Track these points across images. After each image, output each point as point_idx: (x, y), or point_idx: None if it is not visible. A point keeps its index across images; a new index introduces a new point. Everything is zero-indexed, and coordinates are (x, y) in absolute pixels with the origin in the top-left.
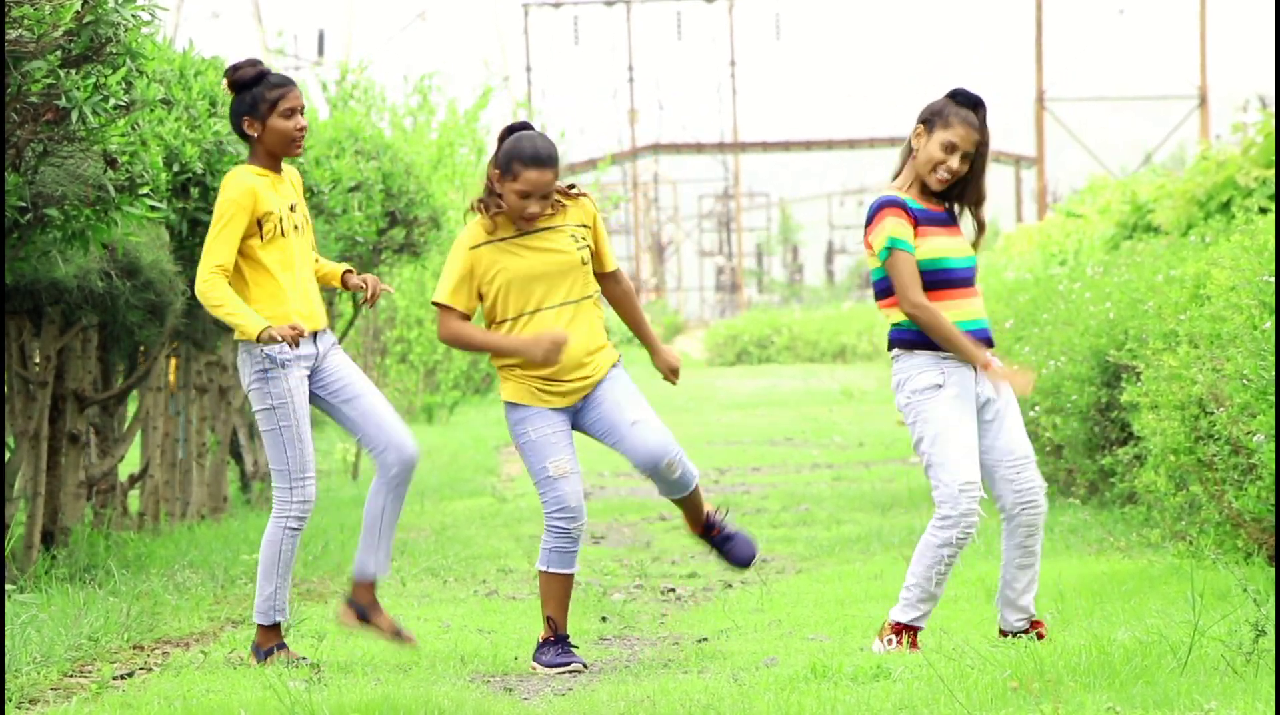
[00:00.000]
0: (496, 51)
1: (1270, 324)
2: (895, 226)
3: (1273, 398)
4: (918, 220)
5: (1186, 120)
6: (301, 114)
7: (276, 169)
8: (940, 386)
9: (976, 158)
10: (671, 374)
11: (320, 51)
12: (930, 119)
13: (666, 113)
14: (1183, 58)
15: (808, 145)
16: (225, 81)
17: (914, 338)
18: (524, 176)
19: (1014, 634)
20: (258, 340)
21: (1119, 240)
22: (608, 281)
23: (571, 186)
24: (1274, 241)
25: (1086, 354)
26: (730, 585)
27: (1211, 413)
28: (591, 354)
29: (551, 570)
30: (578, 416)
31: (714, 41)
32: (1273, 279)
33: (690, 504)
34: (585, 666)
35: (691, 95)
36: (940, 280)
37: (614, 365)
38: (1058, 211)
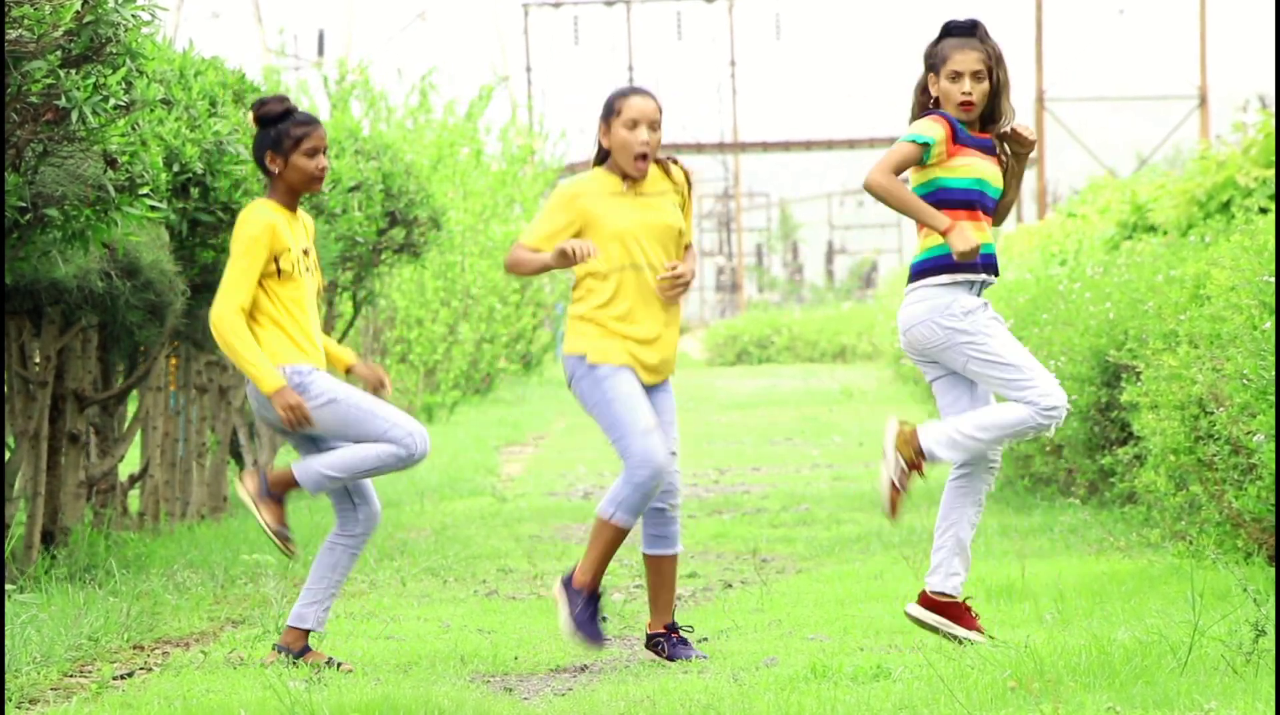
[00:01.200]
0: (496, 51)
1: (1270, 324)
2: (927, 126)
3: (1273, 398)
4: (960, 137)
5: (1186, 120)
6: (325, 155)
7: (293, 208)
8: (984, 306)
9: (994, 74)
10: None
11: (320, 51)
12: (932, 63)
13: (666, 113)
14: (1183, 58)
15: (808, 145)
16: (251, 115)
17: (941, 262)
18: (627, 104)
19: (942, 599)
20: (270, 398)
21: (1119, 240)
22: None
23: (672, 159)
24: (1274, 241)
25: (1086, 354)
26: (730, 585)
27: (1211, 413)
28: (673, 337)
29: (617, 521)
30: None
31: (714, 41)
32: (1273, 279)
33: (670, 573)
34: (603, 643)
35: (691, 95)
36: (974, 202)
37: (671, 374)
38: (1058, 211)
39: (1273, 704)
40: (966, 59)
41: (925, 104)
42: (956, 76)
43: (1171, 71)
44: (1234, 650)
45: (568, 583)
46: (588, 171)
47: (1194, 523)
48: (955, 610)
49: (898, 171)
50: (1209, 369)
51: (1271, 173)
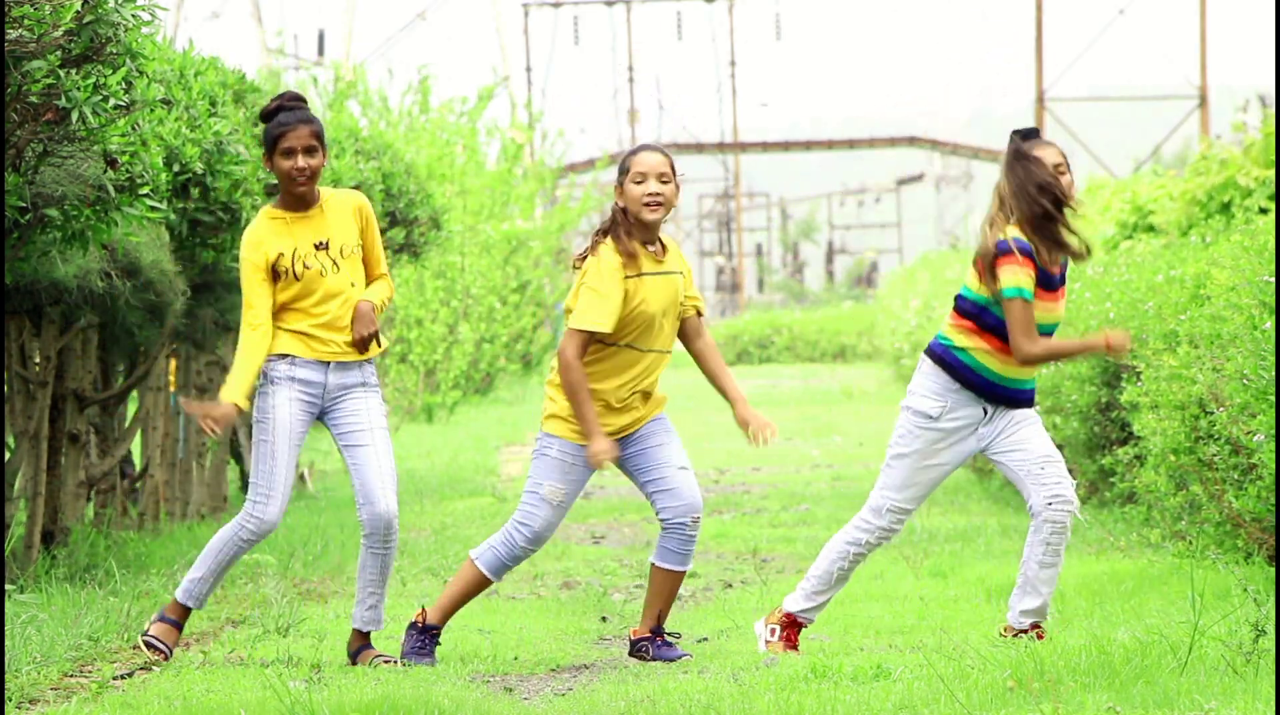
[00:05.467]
0: (496, 51)
1: (1270, 324)
2: (1023, 277)
3: (1273, 398)
4: (1037, 279)
5: (1186, 120)
6: (305, 154)
7: (300, 207)
8: (932, 418)
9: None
10: (757, 435)
11: (320, 51)
12: (1014, 163)
13: (666, 113)
14: (1183, 58)
15: (808, 145)
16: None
17: (948, 359)
18: (636, 159)
19: (1017, 633)
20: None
21: (1119, 240)
22: (688, 330)
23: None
24: (1274, 241)
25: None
26: (730, 585)
27: (1211, 413)
28: (646, 399)
29: (479, 564)
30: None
31: (714, 41)
32: (1273, 279)
33: (671, 587)
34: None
35: (691, 95)
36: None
37: (660, 411)
38: None
39: (1273, 704)
40: (1053, 152)
41: (1017, 193)
42: (1057, 170)
43: (1171, 71)
44: (1234, 650)
45: (412, 624)
46: (613, 247)
47: (1194, 523)
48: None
49: (1033, 332)
50: (1209, 369)
51: (1271, 173)
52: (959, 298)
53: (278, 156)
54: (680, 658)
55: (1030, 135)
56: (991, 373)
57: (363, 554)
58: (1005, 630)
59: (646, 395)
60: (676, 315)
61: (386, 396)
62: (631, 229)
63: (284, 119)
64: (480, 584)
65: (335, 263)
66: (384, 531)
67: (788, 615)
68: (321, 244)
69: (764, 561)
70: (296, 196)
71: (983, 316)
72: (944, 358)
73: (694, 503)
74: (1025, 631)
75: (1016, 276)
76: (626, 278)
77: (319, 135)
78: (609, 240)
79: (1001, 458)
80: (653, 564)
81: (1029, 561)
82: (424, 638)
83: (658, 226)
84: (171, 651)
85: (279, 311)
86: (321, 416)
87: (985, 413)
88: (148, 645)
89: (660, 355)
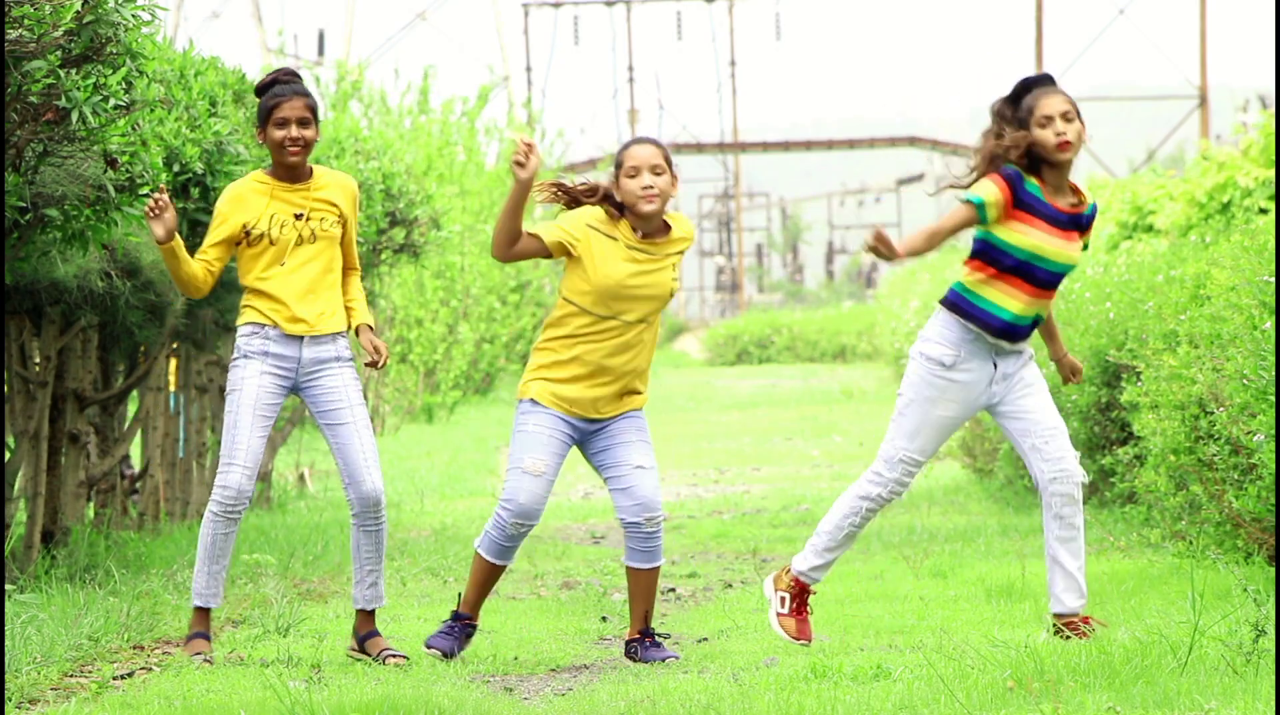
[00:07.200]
0: (496, 51)
1: (1270, 324)
2: (983, 185)
3: (1273, 398)
4: (1021, 201)
5: (1186, 120)
6: (299, 125)
7: (289, 178)
8: (945, 367)
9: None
10: None
11: (320, 51)
12: (1020, 118)
13: (666, 113)
14: (1183, 58)
15: (808, 145)
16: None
17: (963, 306)
18: (629, 153)
19: (1065, 623)
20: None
21: (1119, 240)
22: None
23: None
24: (1274, 241)
25: (1086, 354)
26: (730, 585)
27: (1211, 413)
28: (629, 382)
29: (479, 551)
30: (585, 440)
31: (714, 41)
32: (1273, 279)
33: (645, 585)
34: (449, 656)
35: (691, 95)
36: (1022, 269)
37: (638, 408)
38: None
39: (1273, 704)
40: (1054, 102)
41: (992, 158)
42: (1047, 121)
43: (1171, 71)
44: (1234, 650)
45: (455, 613)
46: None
47: (1194, 523)
48: (1078, 625)
49: (947, 234)
50: (1209, 369)
51: (1271, 173)
52: (973, 239)
53: (271, 127)
54: (667, 659)
55: (1034, 83)
56: (1009, 313)
57: (354, 534)
58: (1056, 624)
59: (622, 392)
60: (663, 297)
61: (387, 396)
62: (628, 218)
63: (279, 90)
64: (486, 570)
65: (314, 233)
66: (373, 509)
67: (796, 580)
68: (301, 215)
69: (764, 561)
70: (288, 167)
71: (1001, 259)
72: (958, 304)
73: (647, 502)
74: (1070, 624)
75: (977, 186)
76: (590, 226)
77: (313, 109)
78: (604, 207)
79: (1007, 423)
80: (625, 564)
81: (1049, 540)
82: (452, 625)
83: (656, 217)
84: (211, 656)
85: (253, 286)
86: (296, 391)
87: (995, 367)
88: (197, 656)
89: (643, 326)
